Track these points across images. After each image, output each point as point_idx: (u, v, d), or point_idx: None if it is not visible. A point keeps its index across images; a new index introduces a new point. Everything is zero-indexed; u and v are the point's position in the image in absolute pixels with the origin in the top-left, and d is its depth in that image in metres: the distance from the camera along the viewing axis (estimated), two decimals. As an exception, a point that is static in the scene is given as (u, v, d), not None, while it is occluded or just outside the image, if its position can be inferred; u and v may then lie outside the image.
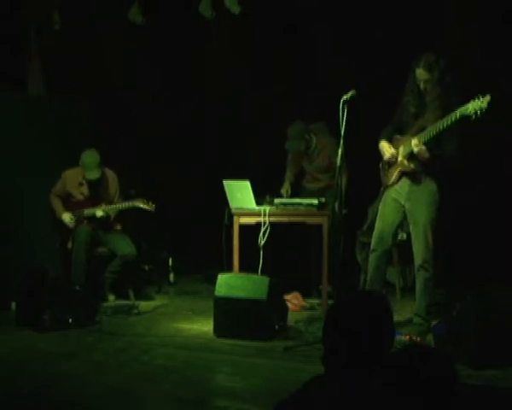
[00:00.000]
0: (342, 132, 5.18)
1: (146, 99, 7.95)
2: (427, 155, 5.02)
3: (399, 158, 5.26)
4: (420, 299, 5.23)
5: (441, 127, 4.87)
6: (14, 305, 6.04)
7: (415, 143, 5.00)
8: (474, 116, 4.66)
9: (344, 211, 5.64)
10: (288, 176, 7.00)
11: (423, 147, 5.00)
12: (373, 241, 5.41)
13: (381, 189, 5.53)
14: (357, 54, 6.71)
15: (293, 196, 6.75)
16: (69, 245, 6.65)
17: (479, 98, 4.64)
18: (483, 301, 4.48)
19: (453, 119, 4.79)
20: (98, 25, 7.64)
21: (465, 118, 4.73)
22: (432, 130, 4.94)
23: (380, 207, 5.46)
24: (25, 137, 6.85)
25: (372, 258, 5.40)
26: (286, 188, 6.89)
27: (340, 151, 5.21)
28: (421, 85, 5.08)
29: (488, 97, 4.62)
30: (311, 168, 6.87)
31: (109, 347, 5.12)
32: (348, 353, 2.08)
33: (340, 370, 2.08)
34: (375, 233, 5.41)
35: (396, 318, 5.49)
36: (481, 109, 4.62)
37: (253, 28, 7.16)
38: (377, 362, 2.05)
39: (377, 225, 5.43)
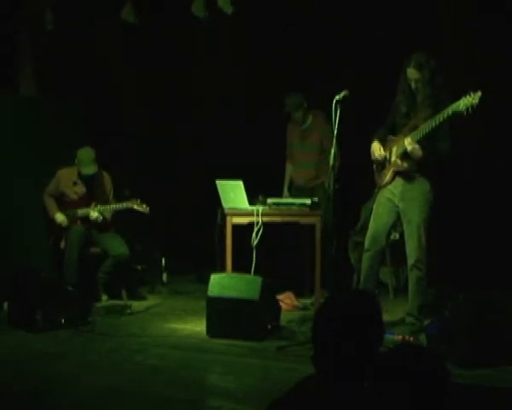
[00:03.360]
0: (335, 132, 5.20)
1: (141, 99, 7.93)
2: (420, 153, 5.03)
3: (393, 158, 5.28)
4: (413, 298, 5.25)
5: (433, 125, 4.89)
6: (6, 305, 6.02)
7: (408, 142, 5.02)
8: (465, 113, 4.68)
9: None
10: (289, 169, 6.98)
11: (416, 146, 5.02)
12: (366, 241, 5.42)
13: (376, 189, 5.54)
14: (356, 53, 6.71)
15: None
16: (62, 245, 6.63)
17: (470, 95, 4.66)
18: (475, 300, 4.49)
19: (445, 116, 4.81)
20: (92, 25, 7.62)
21: (457, 115, 4.74)
22: (424, 128, 4.96)
23: (374, 208, 5.47)
24: (16, 138, 6.84)
25: (365, 258, 5.41)
26: (285, 195, 6.92)
27: (332, 151, 5.22)
28: (413, 85, 5.11)
29: (479, 93, 4.63)
30: (301, 149, 6.81)
31: (102, 347, 5.11)
32: (339, 352, 2.08)
33: (331, 370, 2.08)
34: (369, 233, 5.42)
35: (389, 318, 5.52)
36: (473, 106, 4.64)
37: (251, 28, 7.16)
38: (368, 362, 2.05)
39: (371, 225, 5.44)
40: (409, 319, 5.25)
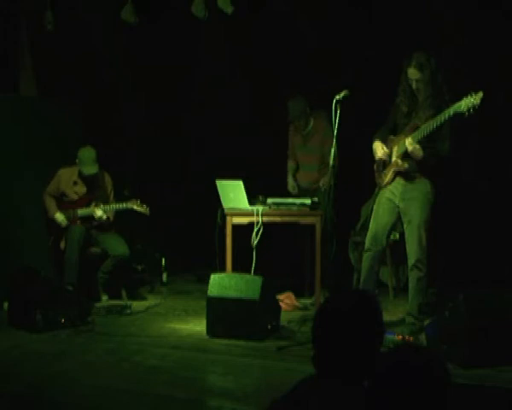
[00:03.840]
0: (335, 132, 5.20)
1: (141, 99, 7.93)
2: (421, 153, 5.03)
3: (393, 158, 5.27)
4: (413, 298, 5.25)
5: (435, 125, 4.89)
6: (6, 305, 6.02)
7: (409, 142, 5.02)
8: (467, 113, 4.68)
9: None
10: (291, 166, 6.89)
11: (417, 146, 5.01)
12: (367, 241, 5.42)
13: (376, 189, 5.54)
14: (356, 53, 6.71)
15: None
16: (62, 245, 6.63)
17: (471, 95, 4.66)
18: (475, 300, 4.49)
19: (446, 116, 4.81)
20: (92, 25, 7.62)
21: (458, 115, 4.74)
22: (425, 128, 4.96)
23: (374, 208, 5.47)
24: (16, 138, 6.84)
25: (365, 258, 5.41)
26: (291, 184, 6.79)
27: (332, 151, 5.22)
28: (414, 85, 5.10)
29: (481, 94, 4.63)
30: (304, 152, 6.78)
31: (102, 347, 5.11)
32: (339, 352, 2.08)
33: (332, 370, 2.08)
34: (369, 234, 5.41)
35: (389, 317, 5.52)
36: (474, 106, 4.64)
37: (251, 28, 7.15)
38: (369, 362, 2.05)
39: (371, 225, 5.44)
40: (409, 319, 5.25)
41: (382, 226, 5.35)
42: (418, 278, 5.18)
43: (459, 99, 4.73)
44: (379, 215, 5.38)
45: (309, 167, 6.76)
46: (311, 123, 6.69)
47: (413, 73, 5.05)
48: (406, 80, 5.13)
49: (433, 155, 5.05)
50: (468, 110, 4.67)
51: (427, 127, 4.95)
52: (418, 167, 5.14)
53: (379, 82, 6.11)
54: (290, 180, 6.86)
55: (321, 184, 6.52)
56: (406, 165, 5.18)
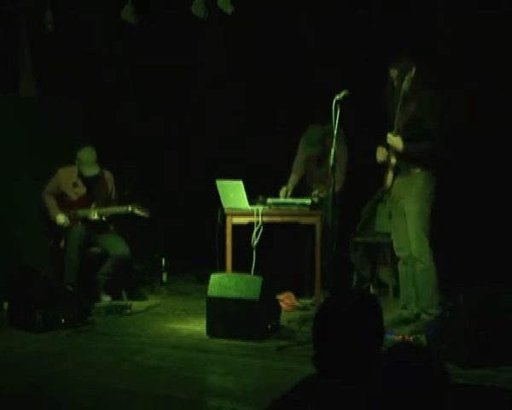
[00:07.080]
0: (335, 132, 5.21)
1: (141, 99, 7.94)
2: (400, 145, 5.14)
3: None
4: (421, 292, 5.29)
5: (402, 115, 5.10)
6: (6, 305, 6.02)
7: (388, 137, 5.12)
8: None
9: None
10: (293, 179, 6.80)
11: (394, 138, 5.13)
12: (396, 252, 5.54)
13: (378, 191, 5.62)
14: (356, 53, 6.71)
15: (295, 197, 6.62)
16: (62, 244, 6.62)
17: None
18: (475, 300, 4.49)
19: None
20: (92, 25, 7.62)
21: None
22: (398, 120, 5.11)
23: (391, 216, 5.53)
24: (16, 138, 6.84)
25: (399, 265, 5.53)
26: (284, 191, 6.66)
27: (332, 151, 5.23)
28: (395, 84, 5.26)
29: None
30: (320, 173, 6.75)
31: (102, 347, 5.11)
32: (339, 352, 2.08)
33: (332, 370, 2.08)
34: (394, 244, 5.54)
35: (389, 317, 5.51)
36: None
37: (251, 28, 7.15)
38: (369, 362, 2.05)
39: (393, 237, 5.57)
40: (423, 317, 5.27)
41: (402, 234, 5.39)
42: (420, 270, 5.25)
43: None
44: (394, 223, 5.52)
45: (323, 182, 6.69)
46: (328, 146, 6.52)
47: (392, 72, 5.24)
48: (390, 82, 5.28)
49: (418, 144, 5.10)
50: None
51: (398, 119, 5.10)
52: (407, 161, 5.19)
53: (379, 82, 6.10)
54: (289, 187, 6.74)
55: (315, 193, 6.43)
56: (393, 160, 5.23)
